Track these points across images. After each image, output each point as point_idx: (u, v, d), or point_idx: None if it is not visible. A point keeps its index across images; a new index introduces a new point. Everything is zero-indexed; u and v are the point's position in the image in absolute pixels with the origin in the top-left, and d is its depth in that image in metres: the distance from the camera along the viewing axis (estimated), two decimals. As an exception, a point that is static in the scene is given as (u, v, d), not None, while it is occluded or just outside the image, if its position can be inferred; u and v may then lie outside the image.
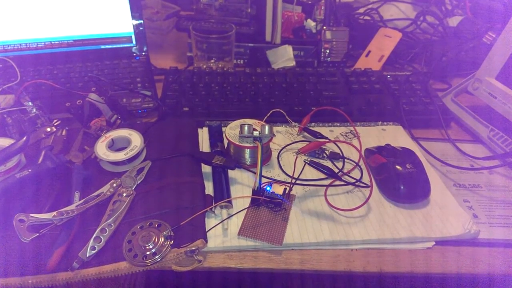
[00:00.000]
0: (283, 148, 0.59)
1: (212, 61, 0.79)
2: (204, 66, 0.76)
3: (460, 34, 0.88)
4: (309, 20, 0.86)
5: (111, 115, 0.59)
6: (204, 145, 0.59)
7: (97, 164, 0.53)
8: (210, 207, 0.46)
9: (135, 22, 0.75)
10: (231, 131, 0.55)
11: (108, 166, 0.52)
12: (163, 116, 0.63)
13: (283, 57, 0.81)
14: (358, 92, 0.70)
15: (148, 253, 0.41)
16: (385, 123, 0.65)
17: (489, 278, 0.43)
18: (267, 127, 0.51)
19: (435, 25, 0.94)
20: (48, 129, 0.56)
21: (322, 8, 0.85)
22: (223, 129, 0.60)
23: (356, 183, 0.52)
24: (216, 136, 0.59)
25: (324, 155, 0.57)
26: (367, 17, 0.98)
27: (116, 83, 0.69)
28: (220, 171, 0.52)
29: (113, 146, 0.54)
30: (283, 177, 0.54)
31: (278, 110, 0.64)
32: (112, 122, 0.58)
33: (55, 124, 0.58)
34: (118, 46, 0.76)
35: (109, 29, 0.75)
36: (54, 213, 0.43)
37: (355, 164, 0.56)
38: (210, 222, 0.46)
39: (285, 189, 0.48)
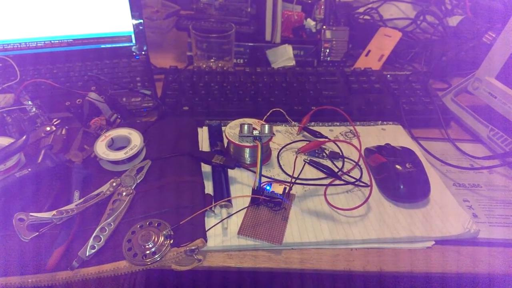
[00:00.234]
0: (283, 148, 0.59)
1: (212, 60, 0.79)
2: (204, 66, 0.76)
3: (460, 34, 0.88)
4: (309, 19, 0.86)
5: (110, 114, 0.59)
6: (204, 144, 0.59)
7: (97, 163, 0.53)
8: (210, 207, 0.46)
9: (135, 21, 0.75)
10: (231, 130, 0.55)
11: (108, 165, 0.52)
12: (163, 115, 0.63)
13: (283, 56, 0.81)
14: (358, 92, 0.70)
15: (147, 252, 0.41)
16: (385, 122, 0.65)
17: (489, 278, 0.43)
18: (267, 126, 0.51)
19: (435, 25, 0.94)
20: (48, 128, 0.56)
21: (322, 7, 0.85)
22: (223, 128, 0.60)
23: (356, 183, 0.52)
24: (216, 136, 0.59)
25: (324, 154, 0.57)
26: (367, 17, 0.98)
27: (116, 82, 0.69)
28: (220, 170, 0.52)
29: (113, 145, 0.54)
30: (283, 177, 0.54)
31: (278, 109, 0.64)
32: (112, 121, 0.58)
33: (55, 123, 0.58)
34: (118, 45, 0.76)
35: (109, 28, 0.75)
36: (54, 212, 0.43)
37: (355, 163, 0.56)
38: (210, 221, 0.46)
39: (285, 188, 0.48)
